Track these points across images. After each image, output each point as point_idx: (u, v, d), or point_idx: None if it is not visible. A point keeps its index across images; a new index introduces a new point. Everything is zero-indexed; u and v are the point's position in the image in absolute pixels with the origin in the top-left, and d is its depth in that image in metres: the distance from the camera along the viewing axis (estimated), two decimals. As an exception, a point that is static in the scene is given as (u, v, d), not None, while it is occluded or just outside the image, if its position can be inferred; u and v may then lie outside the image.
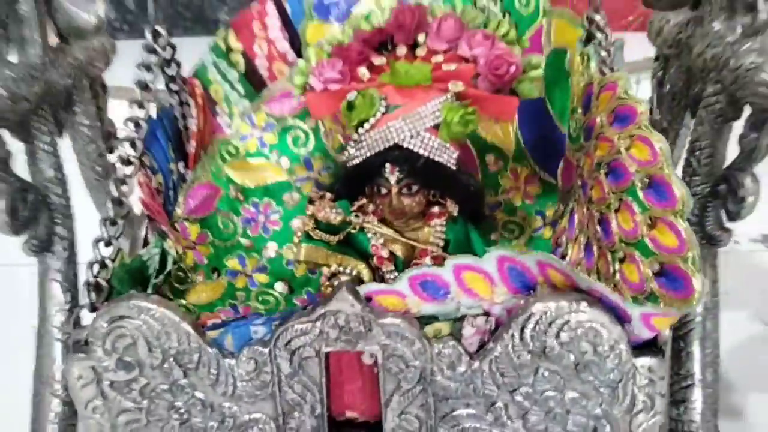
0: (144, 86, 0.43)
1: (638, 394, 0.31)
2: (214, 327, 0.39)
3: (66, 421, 0.43)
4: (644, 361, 0.31)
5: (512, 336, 0.31)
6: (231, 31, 0.51)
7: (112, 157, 0.47)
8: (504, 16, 0.48)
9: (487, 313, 0.33)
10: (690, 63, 0.42)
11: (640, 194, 0.34)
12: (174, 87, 0.47)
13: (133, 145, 0.41)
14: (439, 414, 0.33)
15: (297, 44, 0.51)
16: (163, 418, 0.35)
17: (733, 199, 0.38)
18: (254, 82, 0.53)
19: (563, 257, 0.42)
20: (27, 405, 0.43)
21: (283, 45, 0.50)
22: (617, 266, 0.35)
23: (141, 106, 0.42)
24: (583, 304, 0.30)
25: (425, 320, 0.34)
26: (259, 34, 0.50)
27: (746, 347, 0.60)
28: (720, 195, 0.39)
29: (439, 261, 0.42)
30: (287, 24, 0.50)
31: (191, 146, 0.49)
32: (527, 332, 0.31)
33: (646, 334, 0.31)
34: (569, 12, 0.50)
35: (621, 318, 0.30)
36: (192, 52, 0.53)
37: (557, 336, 0.31)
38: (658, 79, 0.49)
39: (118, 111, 0.49)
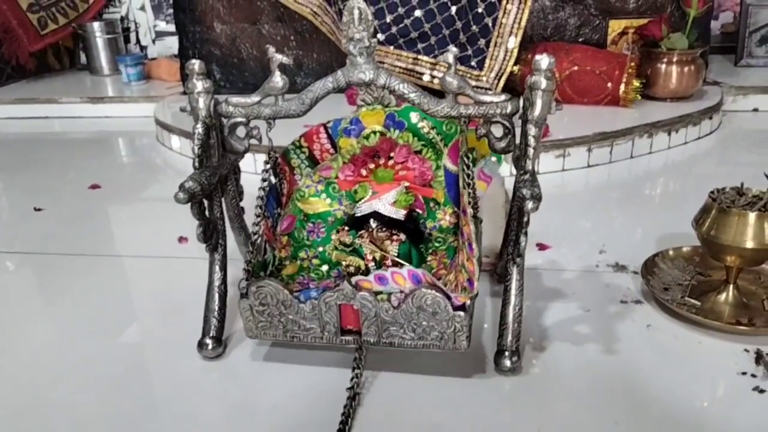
0: (265, 179, 0.92)
1: (456, 324, 0.80)
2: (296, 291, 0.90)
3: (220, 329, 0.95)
4: (458, 313, 0.79)
5: (409, 301, 0.80)
6: (303, 137, 0.99)
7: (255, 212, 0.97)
8: (437, 135, 0.95)
9: (402, 291, 0.82)
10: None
11: (466, 247, 0.82)
12: (276, 171, 0.96)
13: (260, 207, 0.91)
14: (382, 328, 0.83)
15: (335, 146, 0.98)
16: (275, 325, 0.85)
17: (518, 245, 0.85)
18: (313, 161, 1.01)
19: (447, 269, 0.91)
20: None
21: (328, 146, 0.98)
22: (458, 276, 0.84)
23: (263, 189, 0.91)
24: (435, 291, 0.79)
25: (377, 292, 0.83)
26: (315, 140, 0.98)
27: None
28: (515, 243, 0.86)
29: (393, 263, 0.91)
30: (330, 137, 0.97)
31: (283, 198, 0.99)
32: (415, 300, 0.79)
33: (458, 303, 0.79)
34: (472, 130, 0.96)
35: (448, 297, 0.79)
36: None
37: (425, 302, 0.79)
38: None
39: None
